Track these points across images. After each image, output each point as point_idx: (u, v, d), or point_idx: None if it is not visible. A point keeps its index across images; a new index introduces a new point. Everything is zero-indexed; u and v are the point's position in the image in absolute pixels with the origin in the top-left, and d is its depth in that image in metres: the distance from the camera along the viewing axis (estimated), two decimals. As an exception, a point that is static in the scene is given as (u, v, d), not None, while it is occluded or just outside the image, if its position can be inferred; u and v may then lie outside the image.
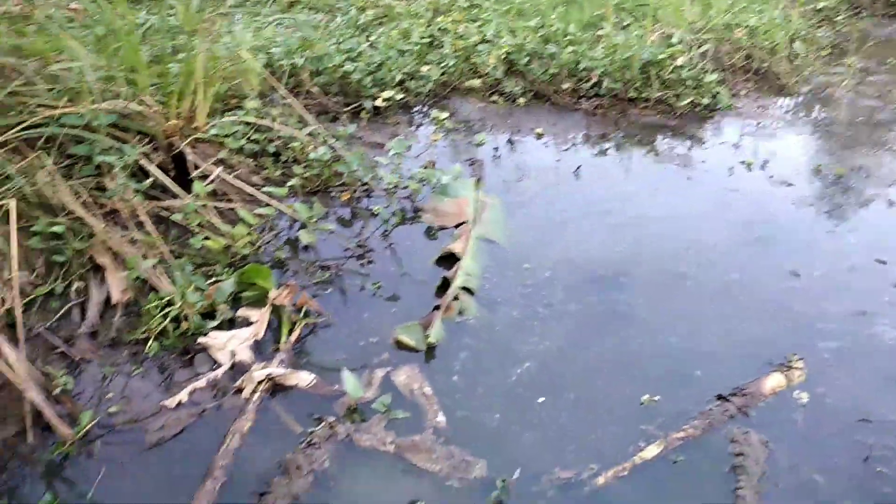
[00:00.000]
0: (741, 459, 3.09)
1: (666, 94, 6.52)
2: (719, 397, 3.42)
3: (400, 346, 3.72)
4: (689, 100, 6.46)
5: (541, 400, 3.39)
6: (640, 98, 6.56)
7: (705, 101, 6.50)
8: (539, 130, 6.08)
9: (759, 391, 3.46)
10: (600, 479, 3.01)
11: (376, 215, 4.79)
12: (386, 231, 4.68)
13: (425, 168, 5.14)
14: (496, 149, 5.81)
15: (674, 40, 6.74)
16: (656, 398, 3.39)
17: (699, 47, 6.91)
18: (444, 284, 4.12)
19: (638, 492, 2.96)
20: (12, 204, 3.55)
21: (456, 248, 4.41)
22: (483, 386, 3.48)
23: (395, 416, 3.28)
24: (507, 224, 4.76)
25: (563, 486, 2.98)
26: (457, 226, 4.72)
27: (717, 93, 6.56)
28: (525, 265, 4.33)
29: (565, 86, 6.61)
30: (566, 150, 5.85)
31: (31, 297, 3.72)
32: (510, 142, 5.94)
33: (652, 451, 3.14)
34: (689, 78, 6.51)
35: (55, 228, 3.81)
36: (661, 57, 6.46)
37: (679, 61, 6.50)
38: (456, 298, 4.00)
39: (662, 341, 3.77)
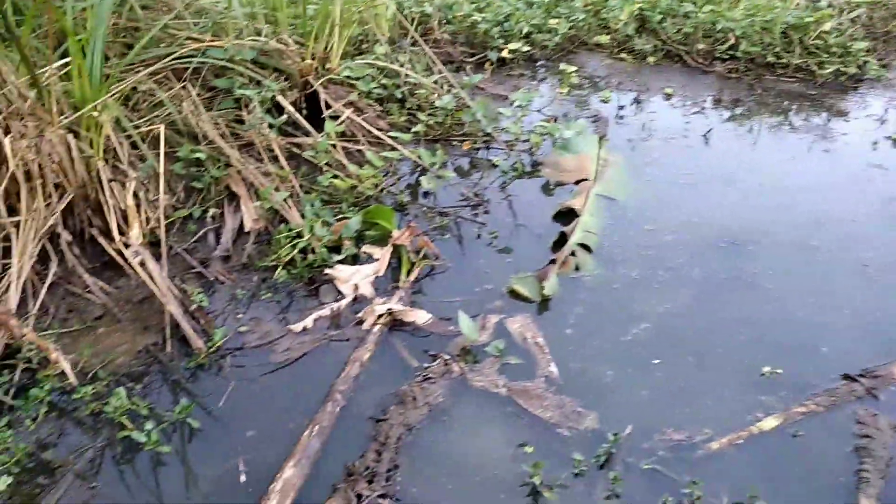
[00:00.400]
0: (867, 441, 2.96)
1: (808, 61, 6.14)
2: (846, 377, 3.27)
3: (514, 295, 3.74)
4: (833, 68, 6.06)
5: (656, 361, 3.34)
6: (778, 63, 6.20)
7: (851, 70, 6.08)
8: (668, 91, 5.88)
9: (892, 375, 3.28)
10: (714, 445, 2.96)
11: (496, 166, 4.79)
12: (504, 183, 4.68)
13: (548, 122, 5.08)
14: (622, 107, 5.66)
15: (821, 3, 6.30)
16: (778, 370, 3.27)
17: (850, 12, 6.43)
18: (562, 239, 4.10)
19: (752, 461, 2.89)
20: (162, 129, 3.77)
21: (575, 204, 4.37)
22: (597, 341, 3.46)
23: (508, 361, 3.32)
24: (630, 183, 4.66)
25: (675, 447, 2.94)
26: (577, 182, 4.66)
27: (866, 62, 6.12)
28: (647, 226, 4.24)
29: (699, 46, 6.34)
30: (696, 112, 5.63)
31: (172, 219, 3.97)
32: (637, 101, 5.77)
33: (771, 422, 3.05)
34: (835, 45, 6.10)
35: (197, 155, 4.03)
36: (806, 21, 6.07)
37: (826, 26, 6.10)
38: (573, 254, 3.97)
39: (788, 314, 3.62)
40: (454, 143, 5.03)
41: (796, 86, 6.08)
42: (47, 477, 2.77)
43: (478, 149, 5.01)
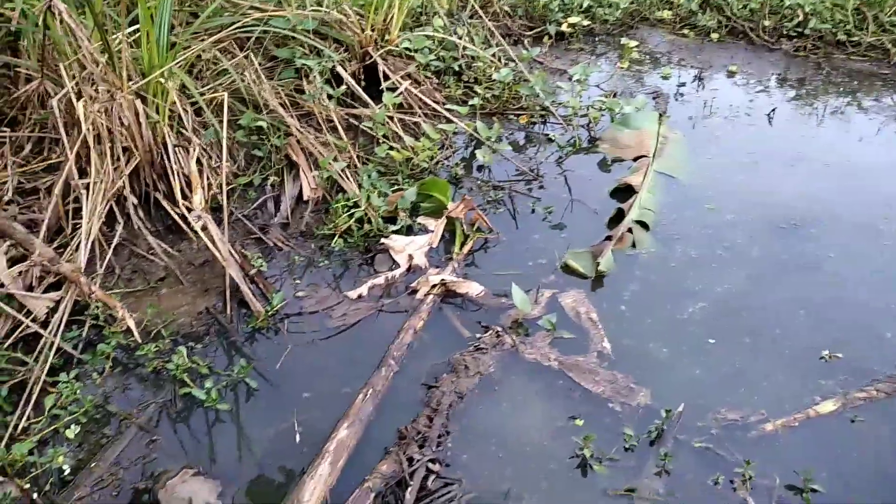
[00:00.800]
0: (930, 430, 2.87)
1: (881, 39, 5.89)
2: (911, 363, 3.17)
3: (568, 271, 3.73)
4: (909, 46, 5.81)
5: (712, 340, 3.30)
6: (850, 41, 5.97)
7: (929, 49, 5.82)
8: (732, 68, 5.72)
9: (960, 364, 3.17)
10: (768, 426, 2.91)
11: (552, 141, 4.75)
12: (561, 158, 4.64)
13: (607, 97, 5.01)
14: (682, 84, 5.54)
15: (899, -22, 6.03)
16: (839, 354, 3.20)
17: (930, -13, 6.14)
18: (618, 216, 4.05)
19: (808, 444, 2.84)
20: (225, 97, 3.84)
21: (633, 180, 4.31)
22: (652, 319, 3.43)
23: (560, 335, 3.32)
24: (690, 161, 4.57)
25: (728, 427, 2.91)
26: (635, 159, 4.59)
27: (946, 41, 5.85)
28: (707, 205, 4.16)
29: (765, 23, 6.14)
30: (760, 91, 5.47)
31: (233, 186, 4.05)
32: (699, 78, 5.64)
33: (828, 406, 2.99)
34: (913, 22, 5.84)
35: (258, 123, 4.09)
36: (883, -4, 5.83)
37: (903, 2, 5.83)
38: (630, 231, 3.92)
39: (851, 298, 3.52)
40: (511, 116, 5.01)
41: (867, 65, 5.84)
42: (113, 428, 2.88)
43: (534, 123, 4.98)
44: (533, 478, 2.73)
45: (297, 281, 3.63)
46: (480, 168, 4.51)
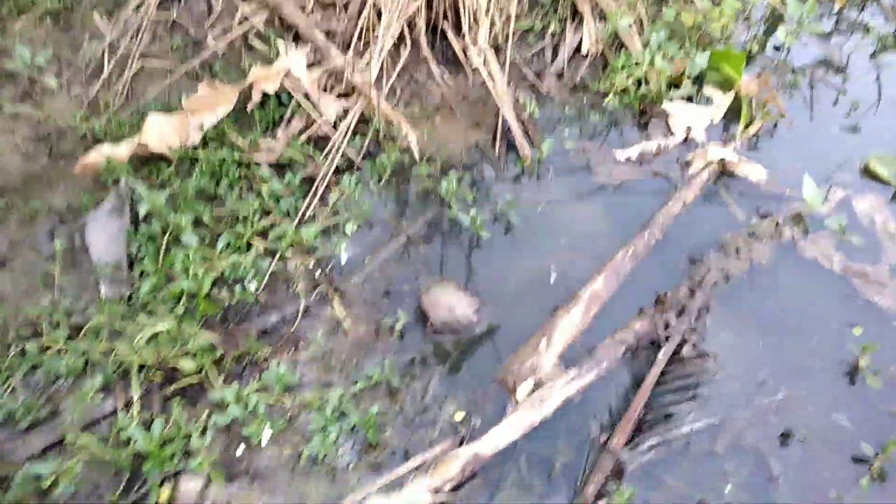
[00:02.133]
0: None
1: None
2: None
3: (869, 174, 3.31)
4: None
5: None
6: None
7: None
8: None
9: None
10: None
11: (869, 31, 4.13)
12: (875, 51, 4.03)
13: (951, -12, 4.22)
14: None
15: None
16: None
17: None
18: (940, 124, 3.49)
19: None
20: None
21: (967, 87, 3.65)
22: (964, 242, 2.97)
23: (848, 239, 2.99)
24: None
25: None
26: (973, 64, 3.88)
27: None
28: None
29: None
30: None
31: (514, 29, 3.96)
32: None
33: None
34: None
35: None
36: None
37: None
38: (952, 142, 3.37)
39: None
40: (823, 2, 4.39)
41: None
42: (385, 232, 3.07)
43: (847, 9, 4.33)
44: (794, 374, 2.55)
45: (566, 132, 3.55)
46: (778, 48, 4.05)
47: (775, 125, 3.56)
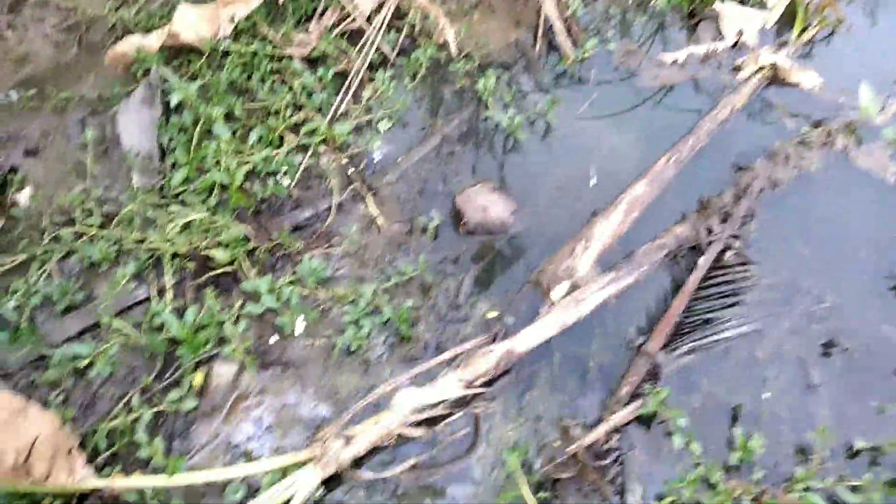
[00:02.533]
0: None
1: None
2: None
3: (930, 84, 3.13)
4: None
5: None
6: None
7: None
8: None
9: None
10: None
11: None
12: (945, -44, 3.76)
13: None
14: None
15: None
16: None
17: None
18: None
19: None
20: None
21: None
22: None
23: (905, 150, 2.85)
24: None
25: None
26: None
27: None
28: None
29: None
30: None
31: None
32: None
33: None
34: None
35: None
36: None
37: None
38: None
39: None
40: None
41: None
42: (419, 131, 2.98)
43: None
44: (838, 285, 2.48)
45: (611, 33, 3.38)
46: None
47: (832, 32, 3.36)
